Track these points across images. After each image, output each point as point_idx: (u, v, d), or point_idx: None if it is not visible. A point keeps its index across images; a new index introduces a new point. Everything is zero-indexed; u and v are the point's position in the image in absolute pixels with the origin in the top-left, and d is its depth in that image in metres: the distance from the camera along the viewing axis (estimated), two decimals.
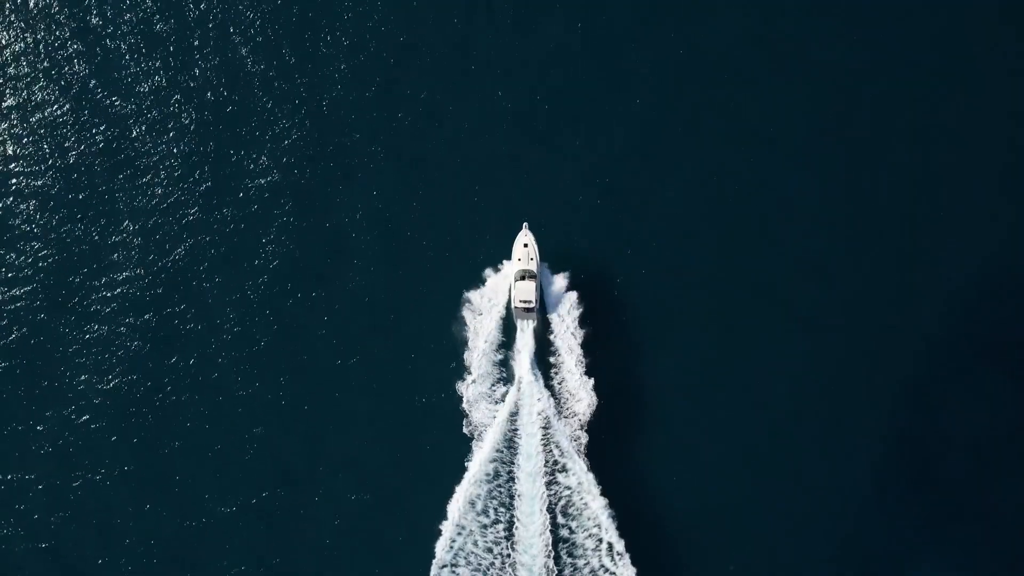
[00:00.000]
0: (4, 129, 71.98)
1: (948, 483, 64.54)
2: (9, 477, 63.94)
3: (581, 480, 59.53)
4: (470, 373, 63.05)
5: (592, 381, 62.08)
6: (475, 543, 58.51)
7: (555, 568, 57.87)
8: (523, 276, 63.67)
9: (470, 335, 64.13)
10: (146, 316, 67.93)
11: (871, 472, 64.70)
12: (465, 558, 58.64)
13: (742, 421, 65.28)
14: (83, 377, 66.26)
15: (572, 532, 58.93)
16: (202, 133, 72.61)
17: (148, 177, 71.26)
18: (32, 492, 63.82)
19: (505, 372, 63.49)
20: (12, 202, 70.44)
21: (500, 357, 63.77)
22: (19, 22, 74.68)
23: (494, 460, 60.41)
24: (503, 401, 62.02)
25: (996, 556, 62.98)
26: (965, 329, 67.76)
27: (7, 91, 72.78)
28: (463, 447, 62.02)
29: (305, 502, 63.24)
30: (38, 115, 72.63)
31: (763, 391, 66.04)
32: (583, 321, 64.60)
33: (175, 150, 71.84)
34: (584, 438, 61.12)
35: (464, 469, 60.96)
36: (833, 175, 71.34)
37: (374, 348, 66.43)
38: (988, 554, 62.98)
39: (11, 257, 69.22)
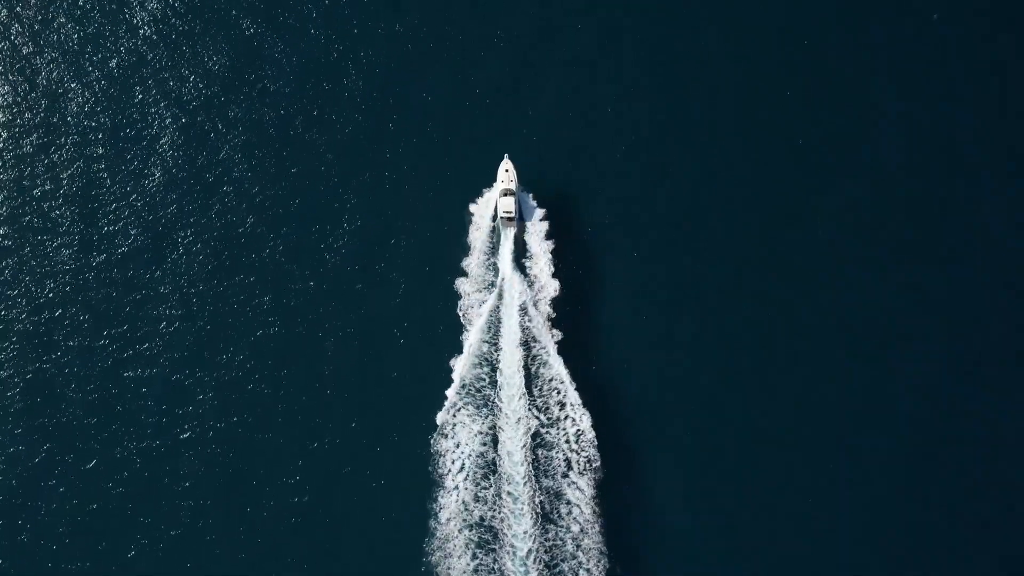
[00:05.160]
0: None
1: (949, 474, 70.43)
2: None
3: (548, 348, 75.16)
4: (467, 271, 77.94)
5: (557, 271, 76.81)
6: (471, 390, 74.48)
7: (527, 400, 73.47)
8: (505, 193, 77.80)
9: (468, 240, 79.07)
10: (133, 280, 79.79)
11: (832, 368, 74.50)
12: (467, 398, 74.41)
13: (689, 319, 76.57)
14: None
15: (540, 384, 74.65)
16: (203, 90, 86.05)
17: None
18: None
19: (492, 267, 77.84)
20: None
21: (489, 256, 78.12)
22: None
23: (486, 330, 75.68)
24: (492, 289, 76.86)
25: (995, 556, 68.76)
26: (961, 321, 74.68)
27: None
28: (461, 327, 75.89)
29: (321, 381, 76.28)
30: None
31: (716, 289, 77.18)
32: (551, 227, 78.10)
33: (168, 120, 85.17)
34: (553, 315, 75.62)
35: (462, 343, 75.09)
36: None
37: (384, 258, 79.75)
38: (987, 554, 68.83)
39: None
